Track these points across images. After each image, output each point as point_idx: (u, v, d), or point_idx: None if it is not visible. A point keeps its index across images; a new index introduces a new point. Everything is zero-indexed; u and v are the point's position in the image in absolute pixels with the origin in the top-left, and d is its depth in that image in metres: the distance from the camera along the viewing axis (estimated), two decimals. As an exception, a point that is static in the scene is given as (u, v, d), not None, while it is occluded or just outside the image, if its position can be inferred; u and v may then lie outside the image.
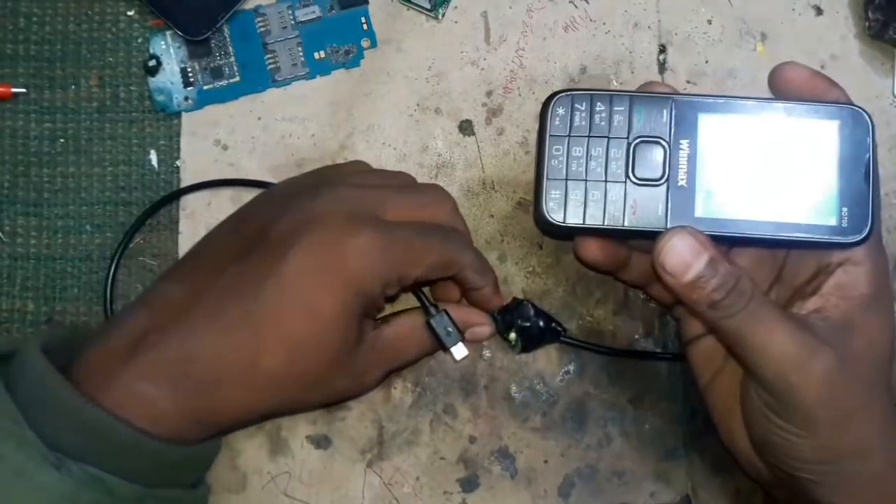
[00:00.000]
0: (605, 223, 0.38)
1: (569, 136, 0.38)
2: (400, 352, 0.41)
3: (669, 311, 0.44)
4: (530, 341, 0.44)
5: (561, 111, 0.38)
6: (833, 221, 0.37)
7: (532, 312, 0.44)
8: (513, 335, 0.43)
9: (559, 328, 0.44)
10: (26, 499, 0.33)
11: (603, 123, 0.38)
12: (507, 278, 0.45)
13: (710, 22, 0.46)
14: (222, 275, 0.37)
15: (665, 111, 0.38)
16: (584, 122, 0.38)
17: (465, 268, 0.40)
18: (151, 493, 0.36)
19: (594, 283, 0.45)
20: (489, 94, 0.46)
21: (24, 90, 0.45)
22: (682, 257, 0.35)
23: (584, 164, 0.38)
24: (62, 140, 0.45)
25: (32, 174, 0.45)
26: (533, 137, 0.46)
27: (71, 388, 0.34)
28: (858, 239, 0.37)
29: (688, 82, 0.46)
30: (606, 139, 0.38)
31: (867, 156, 0.37)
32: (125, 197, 0.45)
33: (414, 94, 0.46)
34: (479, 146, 0.46)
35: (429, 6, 0.46)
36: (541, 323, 0.43)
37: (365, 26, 0.46)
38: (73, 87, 0.45)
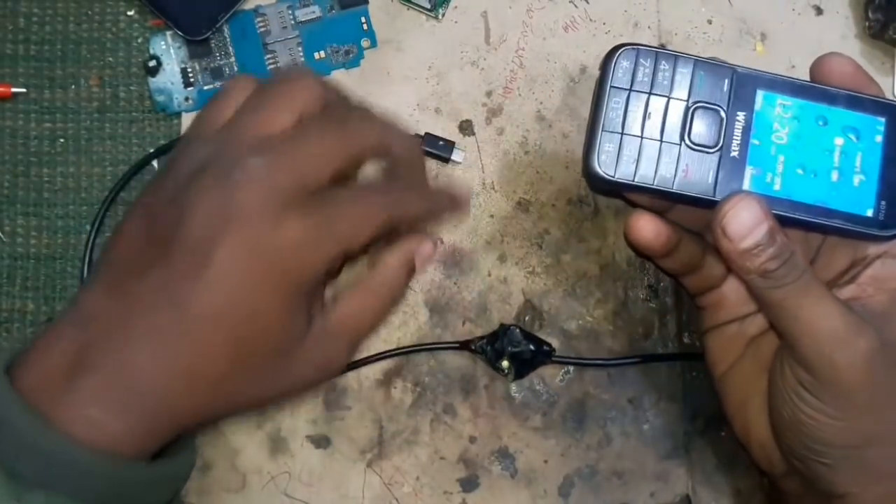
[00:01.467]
0: (655, 183, 0.38)
1: (630, 89, 0.38)
2: (360, 320, 0.38)
3: (694, 298, 0.44)
4: (523, 366, 0.44)
5: (625, 63, 0.38)
6: (870, 213, 0.38)
7: (520, 336, 0.44)
8: (505, 363, 0.44)
9: (548, 348, 0.44)
10: None
11: (665, 82, 0.38)
12: (507, 278, 0.45)
13: (710, 22, 0.46)
14: (145, 281, 0.34)
15: (726, 80, 0.38)
16: (646, 79, 0.38)
17: (416, 212, 0.37)
18: None
19: (594, 283, 0.45)
20: (489, 94, 0.46)
21: (24, 90, 0.45)
22: (745, 224, 0.35)
23: (640, 121, 0.38)
24: (62, 140, 0.45)
25: (32, 174, 0.45)
26: (533, 137, 0.46)
27: (30, 415, 0.32)
28: (893, 233, 0.38)
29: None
30: (667, 99, 0.38)
31: None
32: (125, 197, 0.45)
33: (414, 94, 0.46)
34: (479, 146, 0.46)
35: (429, 6, 0.46)
36: (531, 346, 0.44)
37: (365, 26, 0.46)
38: (73, 87, 0.45)
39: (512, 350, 0.44)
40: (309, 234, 0.34)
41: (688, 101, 0.38)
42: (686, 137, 0.38)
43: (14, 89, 0.45)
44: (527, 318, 0.45)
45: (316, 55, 0.45)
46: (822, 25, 0.46)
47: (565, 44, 0.46)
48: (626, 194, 0.40)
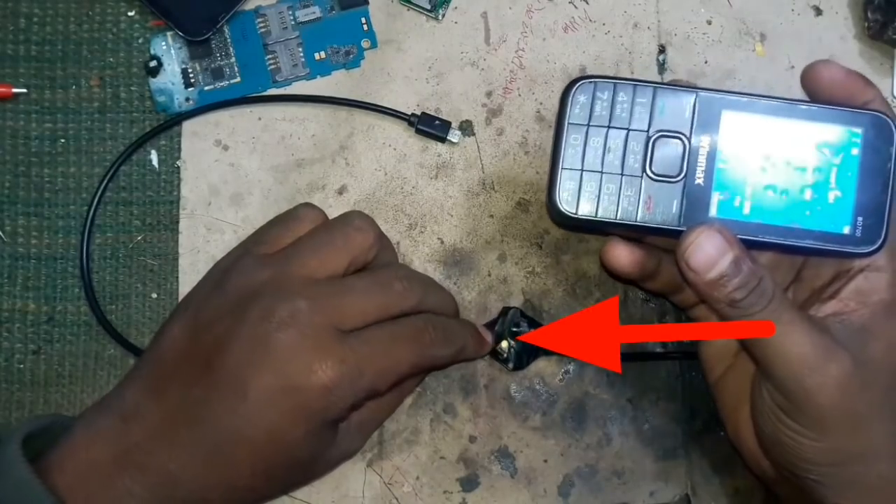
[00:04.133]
0: (618, 217, 0.37)
1: (588, 125, 0.37)
2: (377, 418, 0.43)
3: (685, 311, 0.44)
4: (522, 352, 0.44)
5: (582, 98, 0.37)
6: (847, 230, 0.37)
7: (520, 316, 0.44)
8: (504, 344, 0.44)
9: None
10: None
11: (624, 115, 0.37)
12: (507, 278, 0.45)
13: (709, 22, 0.46)
14: (189, 395, 0.36)
15: (688, 106, 0.37)
16: (604, 112, 0.37)
17: (442, 360, 0.41)
18: None
19: (594, 283, 0.45)
20: (489, 94, 0.46)
21: (24, 90, 0.45)
22: (708, 255, 0.35)
23: (600, 156, 0.37)
24: (63, 140, 0.45)
25: (33, 174, 0.45)
26: (532, 137, 0.46)
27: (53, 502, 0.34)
28: (870, 250, 0.36)
29: (687, 83, 0.46)
30: (626, 131, 0.37)
31: (888, 166, 0.36)
32: (126, 197, 0.45)
33: (414, 95, 0.46)
34: (479, 146, 0.46)
35: (429, 7, 0.46)
36: (530, 328, 0.44)
37: (365, 27, 0.46)
38: (73, 87, 0.45)
39: (513, 330, 0.44)
40: (338, 379, 0.36)
41: (648, 131, 0.37)
42: (648, 169, 0.37)
43: (15, 89, 0.45)
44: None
45: (316, 55, 0.46)
46: (822, 26, 0.46)
47: (565, 44, 0.46)
48: (609, 244, 0.40)
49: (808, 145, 0.37)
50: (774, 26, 0.46)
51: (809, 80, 0.38)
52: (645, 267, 0.39)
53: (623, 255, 0.39)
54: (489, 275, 0.45)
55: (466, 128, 0.46)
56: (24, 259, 0.45)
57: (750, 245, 0.37)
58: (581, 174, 0.37)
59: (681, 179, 0.37)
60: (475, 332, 0.43)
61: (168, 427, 0.36)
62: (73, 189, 0.45)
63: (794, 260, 0.40)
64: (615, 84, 0.37)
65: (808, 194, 0.37)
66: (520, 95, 0.46)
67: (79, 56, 0.46)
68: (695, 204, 0.37)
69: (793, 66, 0.46)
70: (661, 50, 0.46)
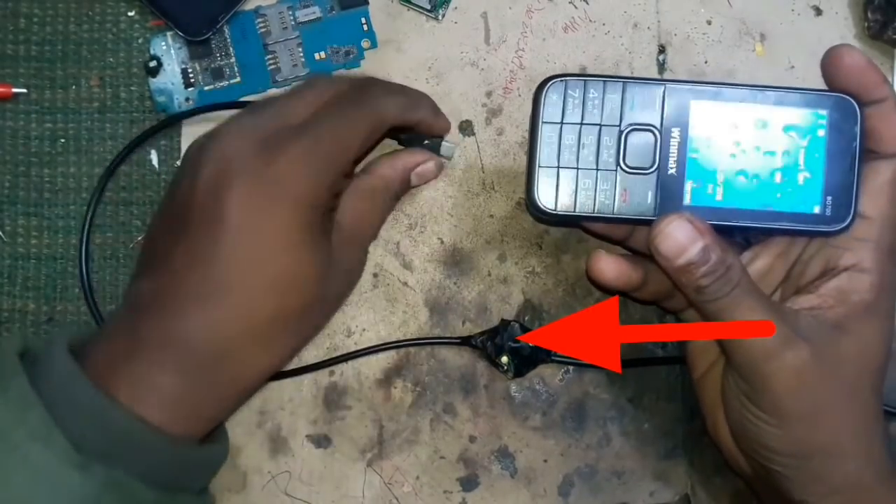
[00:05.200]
0: (596, 211, 0.38)
1: (561, 122, 0.38)
2: (365, 227, 0.42)
3: (676, 315, 0.44)
4: (522, 364, 0.44)
5: (554, 97, 0.38)
6: (817, 210, 0.38)
7: (520, 332, 0.44)
8: (504, 358, 0.44)
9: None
10: (50, 499, 0.33)
11: (595, 111, 0.38)
12: (507, 278, 0.45)
13: (709, 22, 0.46)
14: (174, 255, 0.36)
15: (657, 99, 0.38)
16: (576, 109, 0.38)
17: (394, 115, 0.40)
18: (168, 498, 0.36)
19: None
20: (489, 94, 0.46)
21: (24, 90, 0.45)
22: (677, 242, 0.36)
23: (575, 152, 0.38)
24: (63, 140, 0.45)
25: (33, 174, 0.45)
26: (533, 138, 0.46)
27: (97, 391, 0.34)
28: (840, 227, 0.38)
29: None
30: (599, 127, 0.38)
31: (854, 145, 0.38)
32: (126, 197, 0.45)
33: (414, 95, 0.46)
34: (479, 146, 0.46)
35: (429, 7, 0.46)
36: (530, 343, 0.44)
37: (365, 27, 0.46)
38: (73, 87, 0.45)
39: (512, 345, 0.44)
40: (299, 159, 0.36)
41: (620, 125, 0.38)
42: (622, 162, 0.38)
43: (15, 90, 0.45)
44: (526, 318, 0.45)
45: (316, 56, 0.46)
46: (822, 26, 0.46)
47: (565, 44, 0.46)
48: (592, 257, 0.40)
49: (776, 129, 0.38)
50: (774, 26, 0.46)
51: (829, 64, 0.38)
52: (630, 278, 0.40)
53: (608, 268, 0.40)
54: (489, 275, 0.45)
55: (466, 128, 0.46)
56: (24, 259, 0.45)
57: (724, 230, 0.38)
58: (557, 171, 0.38)
59: (654, 171, 0.38)
60: (429, 100, 0.43)
61: (165, 293, 0.36)
62: (73, 189, 0.45)
63: (789, 257, 0.40)
64: (585, 81, 0.38)
65: (778, 177, 0.38)
66: (520, 95, 0.46)
67: (79, 56, 0.46)
68: (669, 193, 0.38)
69: (793, 66, 0.46)
70: (661, 50, 0.46)
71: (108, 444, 0.34)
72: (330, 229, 0.39)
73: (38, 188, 0.45)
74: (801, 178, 0.38)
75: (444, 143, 0.44)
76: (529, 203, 0.39)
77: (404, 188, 0.44)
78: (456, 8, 0.46)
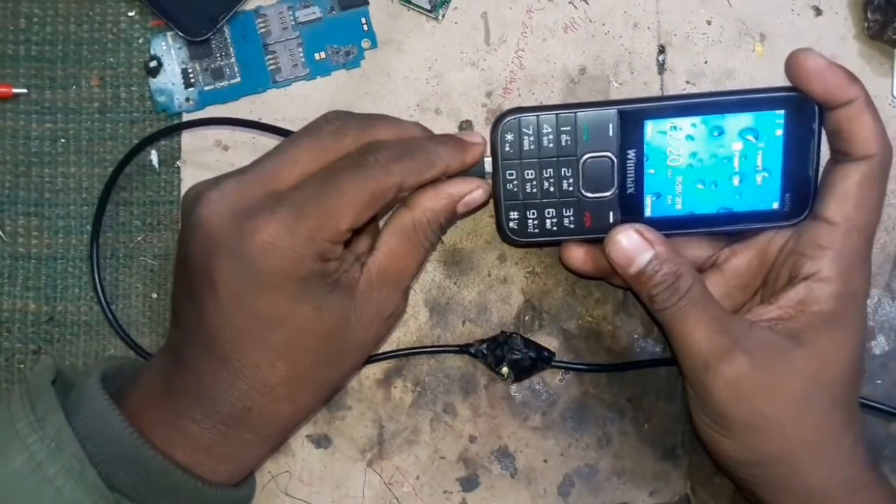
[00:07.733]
0: (563, 235, 0.40)
1: (520, 160, 0.40)
2: (402, 267, 0.39)
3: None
4: (522, 372, 0.44)
5: (510, 136, 0.39)
6: (776, 206, 0.39)
7: (521, 343, 0.44)
8: (505, 369, 0.44)
9: (548, 354, 0.44)
10: None
11: (551, 145, 0.39)
12: (507, 278, 0.45)
13: (709, 22, 0.46)
14: (186, 316, 0.37)
15: (610, 124, 0.39)
16: (532, 147, 0.39)
17: (406, 183, 0.37)
18: None
19: (593, 283, 0.45)
20: (489, 94, 0.46)
21: (25, 90, 0.45)
22: (625, 252, 0.38)
23: (537, 186, 0.40)
24: (63, 140, 0.45)
25: (33, 174, 0.45)
26: (533, 138, 0.46)
27: (131, 430, 0.35)
28: (798, 220, 0.39)
29: (687, 83, 0.46)
30: (556, 159, 0.39)
31: (813, 142, 0.38)
32: (126, 197, 0.45)
33: (414, 95, 0.46)
34: (478, 146, 0.46)
35: (429, 7, 0.46)
36: (531, 353, 0.44)
37: (365, 27, 0.46)
38: (73, 87, 0.46)
39: (512, 357, 0.44)
40: (276, 233, 0.35)
41: (576, 155, 0.39)
42: (581, 190, 0.40)
43: (15, 90, 0.45)
44: (526, 318, 0.45)
45: (316, 56, 0.46)
46: (821, 26, 0.46)
47: (565, 44, 0.46)
48: (565, 245, 0.42)
49: (732, 135, 0.39)
50: (774, 26, 0.46)
51: (792, 68, 0.38)
52: (599, 264, 0.41)
53: (577, 255, 0.41)
54: (489, 275, 0.45)
55: (466, 128, 0.46)
56: (25, 259, 0.45)
57: (685, 236, 0.40)
58: (522, 205, 0.40)
59: (614, 192, 0.40)
60: (450, 141, 0.39)
61: (182, 349, 0.37)
62: (73, 189, 0.45)
63: (766, 257, 0.41)
64: (538, 116, 0.39)
65: (736, 181, 0.39)
66: (520, 96, 0.46)
67: (79, 56, 0.46)
68: (629, 210, 0.40)
69: (792, 67, 0.46)
70: (661, 50, 0.46)
71: (139, 482, 0.35)
72: (351, 279, 0.37)
73: (39, 188, 0.45)
74: (759, 178, 0.39)
75: (484, 158, 0.41)
76: (500, 234, 0.41)
77: (451, 221, 0.41)
78: (456, 8, 0.46)
